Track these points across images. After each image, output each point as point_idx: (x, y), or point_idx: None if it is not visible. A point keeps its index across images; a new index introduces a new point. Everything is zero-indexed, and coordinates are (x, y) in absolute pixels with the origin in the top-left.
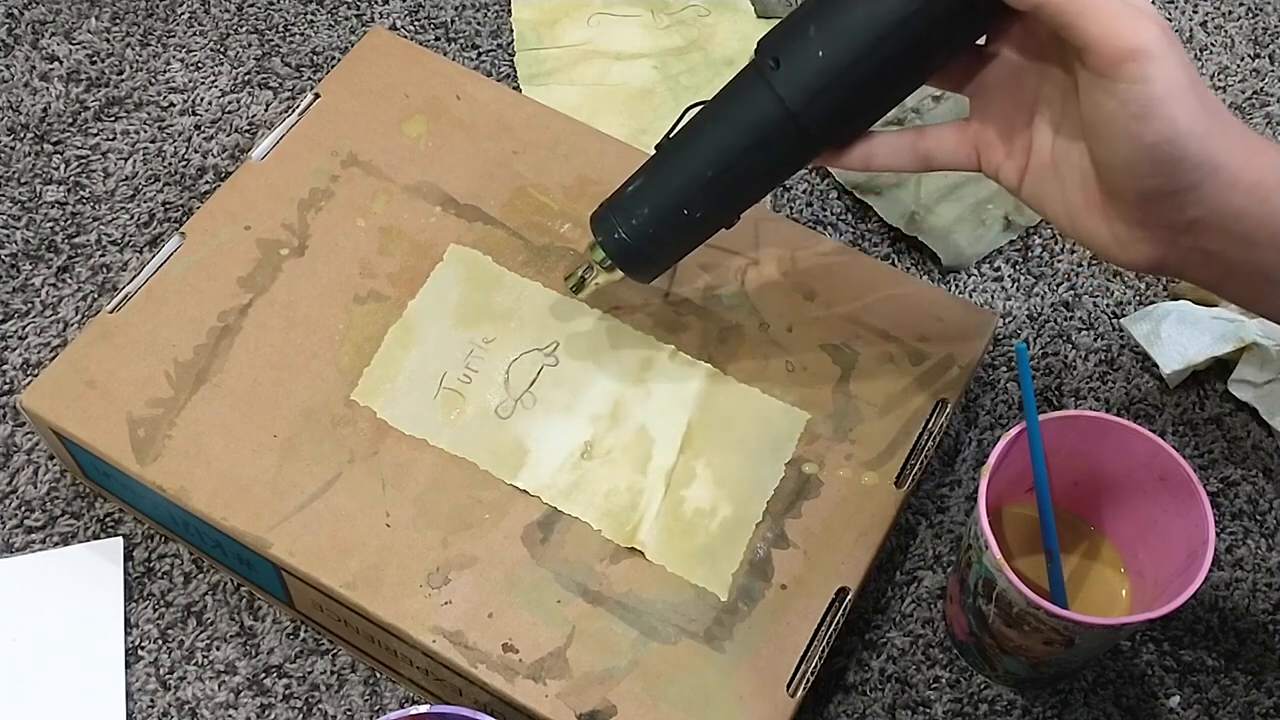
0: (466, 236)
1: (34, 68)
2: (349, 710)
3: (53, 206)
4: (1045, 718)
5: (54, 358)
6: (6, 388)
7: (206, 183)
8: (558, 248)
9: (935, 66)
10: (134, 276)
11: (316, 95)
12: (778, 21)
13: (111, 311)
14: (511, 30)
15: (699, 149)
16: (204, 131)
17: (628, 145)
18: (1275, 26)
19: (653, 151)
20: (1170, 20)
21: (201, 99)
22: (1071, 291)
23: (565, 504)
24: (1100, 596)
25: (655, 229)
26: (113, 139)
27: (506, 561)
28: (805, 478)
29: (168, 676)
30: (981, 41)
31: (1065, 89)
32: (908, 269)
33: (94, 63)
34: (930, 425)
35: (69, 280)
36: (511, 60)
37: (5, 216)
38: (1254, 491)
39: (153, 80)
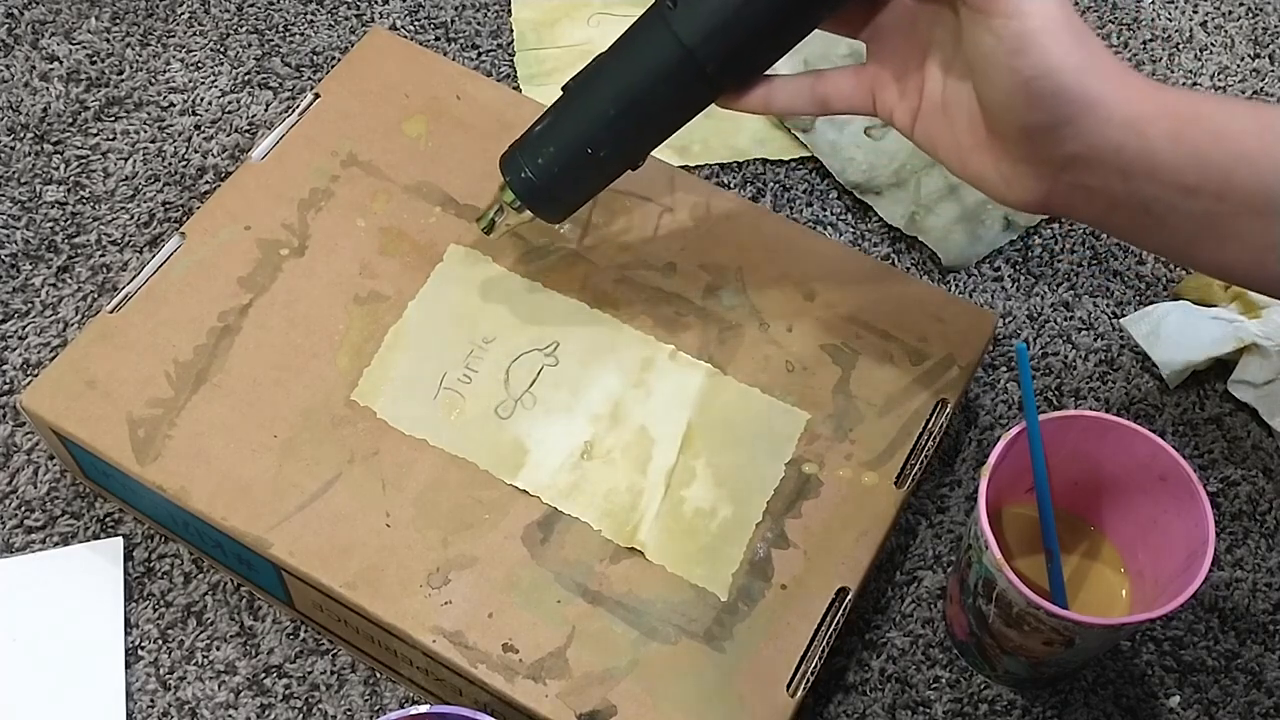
0: (466, 236)
1: (34, 68)
2: (349, 710)
3: (53, 206)
4: (1045, 718)
5: (54, 358)
6: (6, 388)
7: (206, 183)
8: (557, 248)
9: (830, 8)
10: (134, 276)
11: (316, 95)
12: None
13: (111, 311)
14: (511, 30)
15: (602, 88)
16: (204, 131)
17: None
18: (1275, 26)
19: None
20: (1170, 20)
21: (201, 99)
22: (1071, 291)
23: (565, 504)
24: (1100, 596)
25: (561, 168)
26: (113, 139)
27: (506, 561)
28: (805, 478)
29: (168, 676)
30: None
31: (955, 31)
32: (908, 269)
33: (94, 63)
34: (930, 425)
35: (69, 280)
36: (511, 60)
37: (5, 216)
38: (1254, 491)
39: (153, 80)
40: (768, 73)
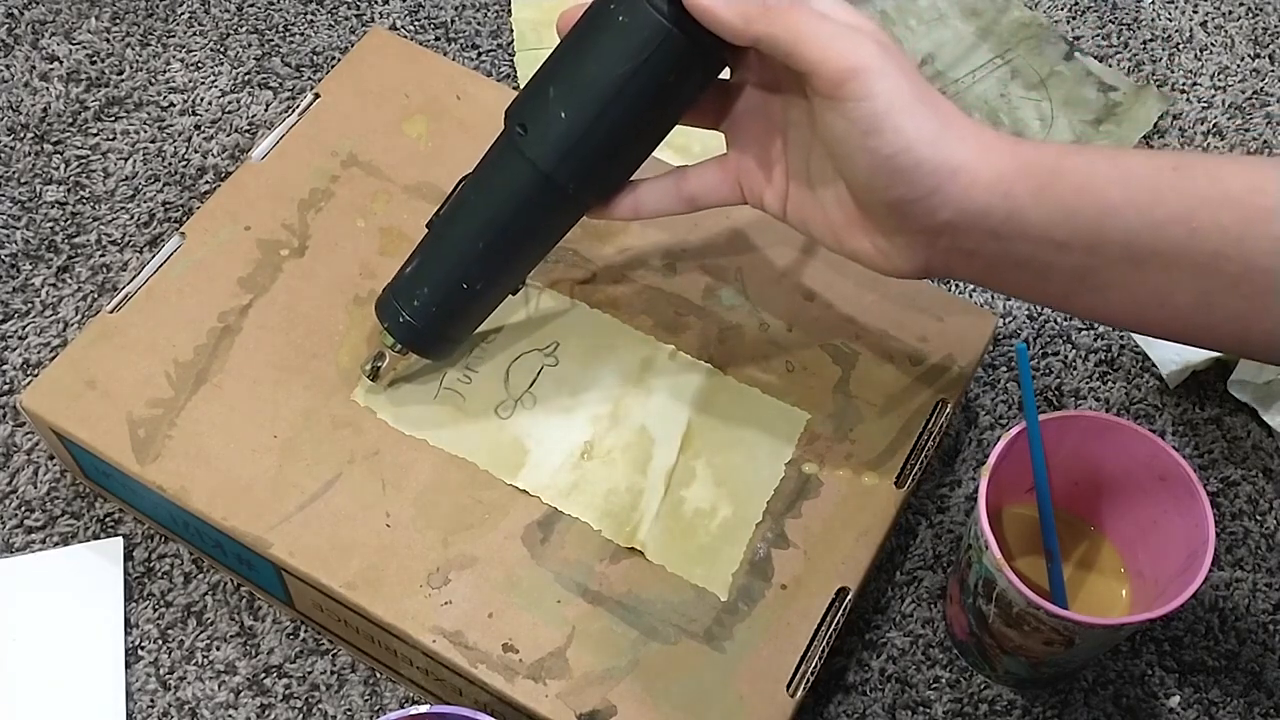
0: None
1: (34, 68)
2: (349, 710)
3: (53, 206)
4: (1045, 718)
5: (54, 358)
6: (6, 388)
7: (206, 183)
8: (557, 248)
9: (680, 109)
10: (134, 276)
11: (316, 95)
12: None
13: (111, 311)
14: (511, 30)
15: (467, 222)
16: (204, 131)
17: None
18: (1275, 26)
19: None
20: (1170, 20)
21: (201, 99)
22: None
23: (565, 504)
24: (1100, 596)
25: (438, 307)
26: (113, 139)
27: (506, 561)
28: (805, 478)
29: (168, 676)
30: (726, 75)
31: (809, 113)
32: None
33: (94, 63)
34: (930, 425)
35: (69, 280)
36: (511, 60)
37: (5, 216)
38: (1254, 491)
39: (153, 80)
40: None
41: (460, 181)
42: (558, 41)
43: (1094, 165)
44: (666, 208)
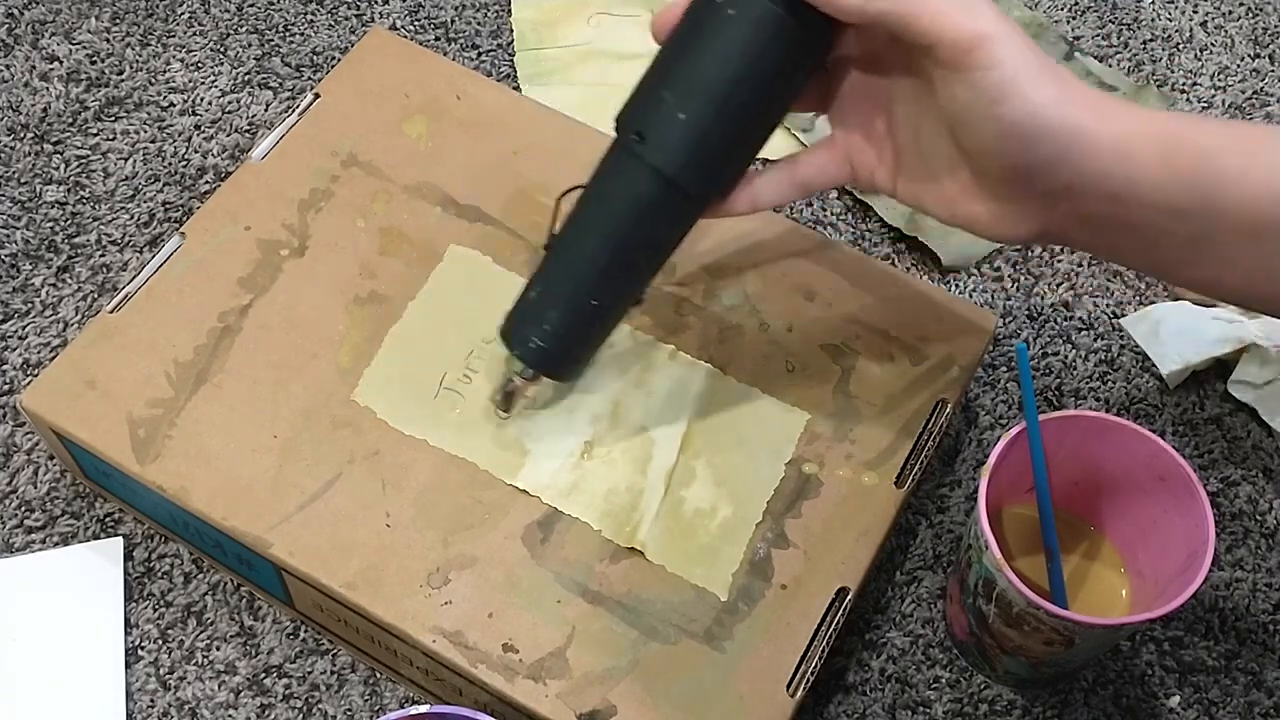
0: (466, 237)
1: (34, 68)
2: (349, 710)
3: (53, 206)
4: (1045, 718)
5: (54, 358)
6: (6, 388)
7: (206, 183)
8: None
9: (794, 95)
10: (134, 276)
11: (316, 95)
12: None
13: (111, 311)
14: (511, 30)
15: (590, 239)
16: (204, 131)
17: None
18: (1275, 26)
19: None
20: (1170, 20)
21: (201, 99)
22: (1071, 291)
23: (565, 504)
24: (1100, 596)
25: (568, 328)
26: (113, 139)
27: (506, 561)
28: (805, 478)
29: (168, 676)
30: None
31: (915, 85)
32: (908, 269)
33: (94, 63)
34: (930, 425)
35: (69, 280)
36: (511, 60)
37: (5, 216)
38: (1254, 491)
39: (153, 80)
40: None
41: (566, 192)
42: (560, 41)
43: (1213, 134)
44: (782, 197)
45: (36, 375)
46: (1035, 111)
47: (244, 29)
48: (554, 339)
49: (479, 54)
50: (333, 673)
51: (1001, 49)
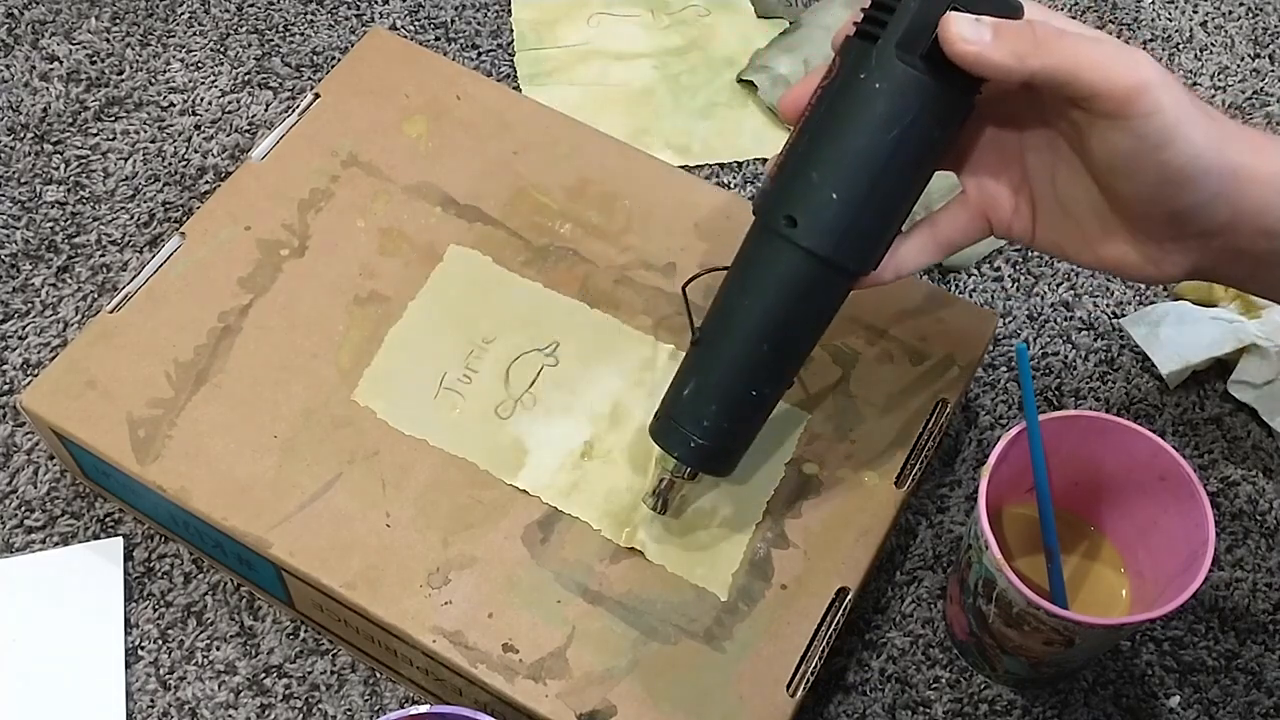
0: (466, 237)
1: (34, 68)
2: (349, 710)
3: (53, 206)
4: (1045, 718)
5: (54, 358)
6: (6, 388)
7: (206, 183)
8: (557, 248)
9: (942, 158)
10: (134, 276)
11: (316, 95)
12: (770, 185)
13: (111, 311)
14: (511, 30)
15: (746, 329)
16: (204, 131)
17: (628, 145)
18: (1275, 26)
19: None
20: (1170, 20)
21: (201, 99)
22: (1071, 291)
23: (565, 504)
24: (1100, 596)
25: (729, 422)
26: (113, 139)
27: (506, 561)
28: (805, 478)
29: (168, 676)
30: None
31: (1048, 134)
32: None
33: (94, 63)
34: (930, 425)
35: (69, 280)
36: (511, 60)
37: (5, 216)
38: (1254, 491)
39: (153, 80)
40: None
41: (689, 281)
42: (560, 41)
43: None
44: (926, 260)
45: (36, 375)
46: (1198, 154)
47: (244, 29)
48: (715, 435)
49: (479, 54)
50: (333, 673)
51: (1163, 95)
